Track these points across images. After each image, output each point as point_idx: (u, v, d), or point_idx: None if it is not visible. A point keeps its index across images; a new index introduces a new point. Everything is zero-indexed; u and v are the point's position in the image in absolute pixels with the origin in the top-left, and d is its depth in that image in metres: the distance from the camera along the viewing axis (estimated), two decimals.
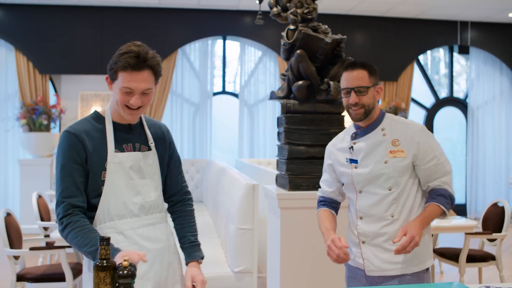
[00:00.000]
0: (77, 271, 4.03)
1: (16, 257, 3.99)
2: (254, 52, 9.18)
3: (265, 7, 4.17)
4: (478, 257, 4.62)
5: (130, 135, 2.16)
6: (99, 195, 2.07)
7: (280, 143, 3.88)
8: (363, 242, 2.35)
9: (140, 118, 2.22)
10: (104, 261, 1.69)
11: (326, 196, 2.56)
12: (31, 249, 4.03)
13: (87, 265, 2.11)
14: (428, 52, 9.87)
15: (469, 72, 9.93)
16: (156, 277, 2.13)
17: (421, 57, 9.77)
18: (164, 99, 8.63)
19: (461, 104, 9.95)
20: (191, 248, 2.28)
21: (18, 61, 8.29)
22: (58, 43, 8.35)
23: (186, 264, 2.26)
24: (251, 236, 3.65)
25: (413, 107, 9.67)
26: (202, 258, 2.29)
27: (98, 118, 2.14)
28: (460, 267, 4.51)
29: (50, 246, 4.64)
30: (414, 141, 2.31)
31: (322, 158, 2.63)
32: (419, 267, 2.33)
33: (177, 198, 2.36)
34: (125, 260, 1.71)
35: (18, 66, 8.29)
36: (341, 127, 3.71)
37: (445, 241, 6.74)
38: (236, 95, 9.27)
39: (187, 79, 8.99)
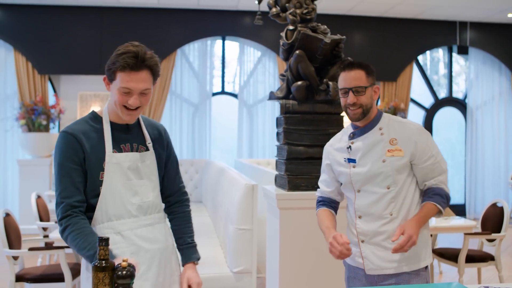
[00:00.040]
0: (76, 271, 4.03)
1: (15, 258, 3.99)
2: (253, 52, 9.18)
3: (264, 7, 4.17)
4: (477, 257, 4.62)
5: (128, 135, 2.16)
6: (97, 195, 2.07)
7: (279, 144, 3.88)
8: (363, 241, 2.36)
9: (138, 118, 2.22)
10: (103, 262, 1.69)
11: (325, 196, 2.57)
12: (30, 249, 4.03)
13: (85, 265, 2.11)
14: (427, 52, 9.87)
15: (468, 72, 9.94)
16: (154, 277, 2.13)
17: (420, 58, 9.78)
18: (163, 99, 8.63)
19: (460, 105, 9.95)
20: (188, 249, 2.29)
21: (17, 61, 8.29)
22: (57, 43, 8.35)
23: (183, 265, 2.27)
24: (250, 236, 3.65)
25: (412, 107, 9.68)
26: (199, 259, 2.29)
27: (95, 118, 2.14)
28: (459, 267, 4.51)
29: (49, 246, 4.64)
30: (412, 140, 2.32)
31: (321, 158, 2.64)
32: (418, 264, 2.34)
33: (174, 198, 2.35)
34: (124, 261, 1.71)
35: (17, 66, 8.29)
36: (340, 128, 3.71)
37: (444, 241, 6.75)
38: (235, 96, 9.27)
39: (186, 79, 8.98)
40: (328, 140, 2.63)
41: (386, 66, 9.16)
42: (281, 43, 3.88)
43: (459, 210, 9.53)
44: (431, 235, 4.85)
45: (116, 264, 1.73)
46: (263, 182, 4.87)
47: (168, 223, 2.34)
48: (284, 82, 3.91)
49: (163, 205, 2.31)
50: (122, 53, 2.00)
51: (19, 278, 3.93)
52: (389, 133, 2.35)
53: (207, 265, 3.86)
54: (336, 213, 2.55)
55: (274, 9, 3.96)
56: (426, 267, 2.39)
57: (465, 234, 4.52)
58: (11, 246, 3.96)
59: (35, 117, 7.91)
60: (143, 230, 2.13)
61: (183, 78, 8.96)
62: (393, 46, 9.31)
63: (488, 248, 5.19)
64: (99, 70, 8.27)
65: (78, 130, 2.07)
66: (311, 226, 3.53)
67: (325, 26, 3.84)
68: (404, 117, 8.93)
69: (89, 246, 1.93)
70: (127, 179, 2.10)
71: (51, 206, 5.72)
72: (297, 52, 3.69)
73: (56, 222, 4.64)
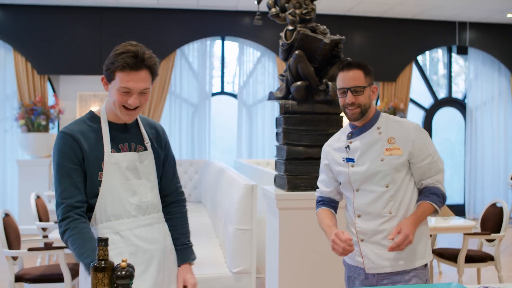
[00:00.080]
0: (75, 271, 4.02)
1: (15, 258, 3.99)
2: (253, 52, 9.18)
3: (263, 7, 4.16)
4: (476, 258, 4.62)
5: (126, 135, 2.15)
6: (96, 195, 2.06)
7: (278, 144, 3.88)
8: (362, 240, 2.37)
9: (136, 117, 2.21)
10: (102, 262, 1.69)
11: (324, 196, 2.58)
12: (30, 249, 4.02)
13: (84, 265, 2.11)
14: (427, 52, 9.88)
15: (467, 72, 9.94)
16: (153, 277, 2.13)
17: (419, 58, 9.78)
18: (163, 100, 8.63)
19: (460, 105, 9.96)
20: (184, 250, 2.29)
21: (17, 61, 8.28)
22: (56, 43, 8.34)
23: (178, 266, 2.27)
24: (250, 236, 3.65)
25: (411, 107, 9.68)
26: (194, 259, 2.30)
27: (93, 118, 2.13)
28: (458, 267, 4.52)
29: (48, 246, 4.64)
30: (410, 139, 2.34)
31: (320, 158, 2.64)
32: (418, 263, 2.35)
33: (172, 198, 2.35)
34: (123, 261, 1.71)
35: (16, 66, 8.29)
36: (340, 128, 3.69)
37: (444, 242, 6.75)
38: (234, 96, 9.27)
39: (185, 80, 8.98)
40: (327, 140, 2.64)
41: (385, 66, 9.16)
42: (280, 43, 3.88)
43: (459, 210, 9.53)
44: (430, 235, 4.85)
45: (115, 264, 1.73)
46: (263, 182, 4.87)
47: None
48: (283, 82, 3.91)
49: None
50: (121, 52, 1.99)
51: (19, 278, 3.92)
52: (387, 132, 2.37)
53: (206, 265, 3.86)
54: (336, 212, 2.56)
55: (273, 9, 3.96)
56: (426, 265, 2.40)
57: (465, 234, 4.52)
58: (10, 247, 3.96)
59: (34, 117, 7.91)
60: (142, 230, 2.13)
61: (183, 78, 8.96)
62: (393, 46, 9.31)
63: (487, 248, 5.19)
64: (98, 70, 8.27)
65: (76, 131, 2.06)
66: (310, 226, 3.53)
67: (325, 26, 3.84)
68: (404, 117, 8.92)
69: (87, 253, 1.92)
70: (125, 179, 2.10)
71: (51, 206, 5.72)
72: (296, 52, 3.69)
73: (55, 223, 4.64)
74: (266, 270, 4.12)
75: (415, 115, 9.76)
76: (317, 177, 2.65)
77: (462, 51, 9.63)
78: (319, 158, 2.63)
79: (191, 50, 8.99)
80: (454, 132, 10.21)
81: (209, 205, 6.00)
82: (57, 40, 8.35)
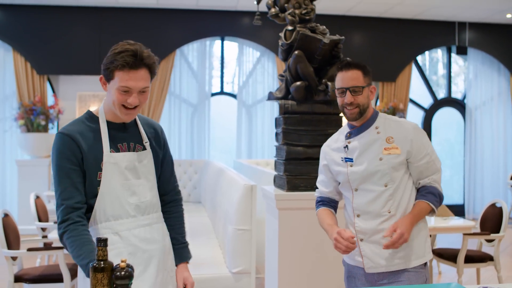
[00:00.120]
0: (75, 271, 4.02)
1: (14, 258, 3.98)
2: (252, 52, 9.18)
3: (263, 7, 4.16)
4: (476, 258, 4.62)
5: (125, 134, 2.15)
6: (95, 195, 2.06)
7: (278, 144, 3.88)
8: (362, 240, 2.37)
9: (135, 116, 2.21)
10: (102, 262, 1.68)
11: (324, 196, 2.58)
12: (29, 250, 4.02)
13: None
14: (426, 52, 9.88)
15: (467, 72, 9.95)
16: (153, 277, 2.12)
17: (419, 58, 9.78)
18: (162, 100, 8.63)
19: (459, 105, 9.96)
20: (182, 249, 2.31)
21: (16, 61, 8.28)
22: (56, 43, 8.34)
23: (176, 265, 2.28)
24: (249, 237, 3.65)
25: (411, 107, 9.68)
26: (190, 258, 2.33)
27: (91, 118, 2.12)
28: (458, 267, 4.52)
29: (48, 247, 4.63)
30: (408, 139, 2.35)
31: None
32: (417, 261, 2.36)
33: (169, 198, 2.35)
34: (122, 261, 1.70)
35: (16, 66, 8.28)
36: (339, 128, 3.70)
37: (443, 242, 6.75)
38: (234, 96, 9.27)
39: (185, 80, 8.98)
40: (327, 140, 2.64)
41: (385, 66, 9.16)
42: (280, 44, 3.88)
43: (458, 211, 9.53)
44: (430, 236, 4.85)
45: (114, 264, 1.73)
46: (262, 182, 4.87)
47: None
48: (283, 83, 3.91)
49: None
50: (120, 51, 1.98)
51: (18, 278, 3.92)
52: (386, 132, 2.38)
53: (206, 266, 3.86)
54: (335, 212, 2.56)
55: (273, 10, 3.96)
56: (425, 264, 2.41)
57: (464, 234, 4.52)
58: (9, 247, 3.95)
59: (33, 118, 7.91)
60: (140, 230, 2.13)
61: (182, 79, 8.96)
62: (392, 46, 9.31)
63: (487, 249, 5.19)
64: (98, 71, 8.14)
65: (75, 131, 2.05)
66: (310, 226, 3.53)
67: (324, 27, 3.84)
68: (403, 117, 8.92)
69: (83, 255, 1.91)
70: (124, 179, 2.09)
71: (50, 206, 5.72)
72: (296, 52, 3.69)
73: (55, 223, 4.64)
74: (265, 270, 4.12)
75: (415, 115, 9.76)
76: (316, 177, 2.65)
77: (462, 51, 9.64)
78: (318, 158, 2.63)
79: (191, 50, 8.99)
80: (454, 132, 10.21)
81: (208, 205, 5.99)
82: (57, 40, 8.35)
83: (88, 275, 1.87)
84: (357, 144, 2.39)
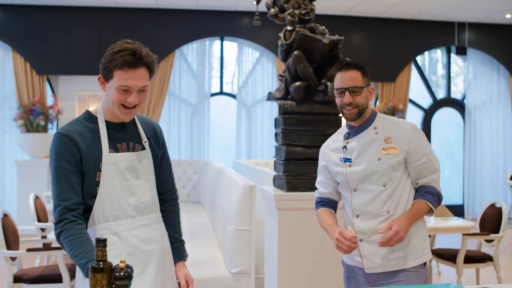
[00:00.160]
0: (74, 272, 4.01)
1: (13, 259, 3.98)
2: (252, 53, 9.18)
3: (262, 8, 4.16)
4: (475, 258, 4.62)
5: (124, 134, 2.14)
6: (94, 196, 2.05)
7: (277, 144, 3.88)
8: (361, 240, 2.37)
9: (134, 116, 2.20)
10: (101, 263, 1.68)
11: (323, 197, 2.59)
12: (28, 250, 4.02)
13: None
14: (426, 53, 9.88)
15: (466, 73, 9.95)
16: (152, 278, 2.12)
17: (418, 58, 9.78)
18: (162, 100, 8.62)
19: (459, 105, 9.96)
20: (180, 247, 2.33)
21: (15, 61, 8.28)
22: (55, 44, 8.34)
23: (175, 263, 2.30)
24: (249, 237, 3.65)
25: (410, 108, 9.68)
26: (187, 256, 2.35)
27: (90, 118, 2.11)
28: (457, 268, 4.52)
29: (47, 247, 4.63)
30: (406, 139, 2.36)
31: None
32: (417, 261, 2.36)
33: (168, 197, 2.36)
34: (121, 262, 1.70)
35: (15, 67, 8.28)
36: (338, 128, 3.70)
37: (443, 242, 6.75)
38: (233, 96, 9.27)
39: (184, 80, 8.98)
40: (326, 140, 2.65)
41: (384, 66, 9.16)
42: (279, 44, 3.88)
43: (458, 211, 9.53)
44: (429, 236, 4.85)
45: (113, 265, 1.73)
46: (262, 182, 4.87)
47: None
48: (282, 83, 3.90)
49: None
50: (118, 50, 1.97)
51: (17, 279, 3.91)
52: (384, 132, 2.39)
53: (205, 266, 3.86)
54: (335, 212, 2.57)
55: (272, 10, 3.96)
56: (425, 263, 2.41)
57: (464, 234, 4.52)
58: (9, 247, 3.95)
59: (33, 118, 7.90)
60: (140, 230, 2.12)
61: (182, 79, 8.96)
62: (392, 46, 9.32)
63: (486, 249, 5.19)
64: (97, 71, 8.07)
65: (73, 131, 2.04)
66: (309, 226, 3.53)
67: (324, 27, 3.84)
68: (403, 117, 8.93)
69: (82, 255, 1.91)
70: (124, 180, 2.09)
71: (49, 206, 5.72)
72: (295, 52, 3.69)
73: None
74: (265, 271, 4.12)
75: (414, 116, 9.76)
76: (316, 178, 2.65)
77: (461, 51, 9.64)
78: (318, 159, 2.63)
79: (190, 51, 8.98)
80: (453, 133, 10.22)
81: (208, 205, 5.99)
82: (56, 40, 8.35)
83: (86, 275, 1.87)
84: (356, 145, 2.40)
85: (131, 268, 1.73)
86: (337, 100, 2.42)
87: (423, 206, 2.34)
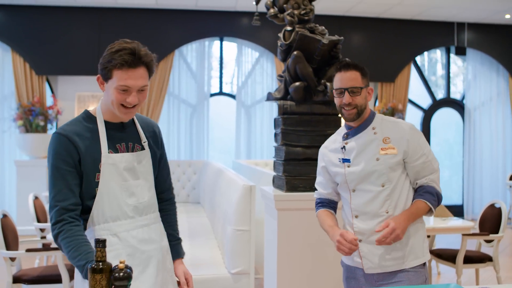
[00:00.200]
0: (73, 272, 3.98)
1: (12, 259, 3.98)
2: (251, 53, 9.18)
3: (262, 8, 4.16)
4: (475, 258, 4.62)
5: (123, 134, 2.13)
6: (93, 197, 2.04)
7: (277, 144, 3.88)
8: (360, 241, 2.38)
9: (133, 116, 2.19)
10: (100, 263, 1.68)
11: (323, 198, 2.59)
12: (28, 250, 4.01)
13: None
14: (425, 53, 9.88)
15: (466, 73, 9.95)
16: (152, 278, 2.12)
17: (418, 58, 9.79)
18: (161, 100, 8.62)
19: (458, 105, 9.96)
20: (177, 245, 2.34)
21: (15, 62, 8.28)
22: (54, 44, 8.33)
23: (173, 261, 2.31)
24: (248, 237, 3.64)
25: (410, 108, 9.68)
26: (184, 254, 2.38)
27: (89, 118, 2.10)
28: (457, 268, 4.51)
29: (46, 247, 4.62)
30: (404, 139, 2.36)
31: None
32: (417, 261, 2.37)
33: (166, 196, 2.36)
34: (121, 262, 1.70)
35: (14, 67, 8.28)
36: (338, 128, 3.70)
37: (442, 242, 6.75)
38: (233, 96, 9.27)
39: (184, 80, 8.98)
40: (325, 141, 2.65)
41: (384, 67, 9.17)
42: (279, 44, 3.87)
43: (457, 211, 9.53)
44: (428, 236, 4.85)
45: (113, 266, 1.73)
46: (261, 183, 4.87)
47: None
48: (282, 83, 3.90)
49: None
50: (117, 50, 1.96)
51: (17, 279, 3.91)
52: (382, 132, 2.39)
53: (205, 266, 3.86)
54: (335, 213, 2.57)
55: (272, 10, 3.96)
56: (424, 263, 2.42)
57: (463, 235, 4.52)
58: (8, 248, 3.95)
59: (32, 118, 7.90)
60: (139, 231, 2.12)
61: (181, 79, 8.96)
62: (391, 47, 9.32)
63: (486, 249, 5.19)
64: (96, 71, 8.13)
65: (72, 131, 2.03)
66: (309, 227, 3.53)
67: (323, 27, 3.84)
68: (402, 118, 8.94)
69: (80, 256, 1.90)
70: (123, 180, 2.08)
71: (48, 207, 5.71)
72: (295, 53, 3.69)
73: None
74: (264, 271, 4.11)
75: (414, 116, 9.76)
76: (315, 178, 2.65)
77: (461, 51, 9.64)
78: (317, 159, 2.63)
79: (190, 51, 8.99)
80: (453, 133, 10.22)
81: (207, 205, 5.99)
82: (56, 40, 8.34)
83: (84, 277, 1.86)
84: (354, 145, 2.41)
85: (130, 268, 1.72)
86: (336, 101, 2.43)
87: (422, 205, 2.34)
